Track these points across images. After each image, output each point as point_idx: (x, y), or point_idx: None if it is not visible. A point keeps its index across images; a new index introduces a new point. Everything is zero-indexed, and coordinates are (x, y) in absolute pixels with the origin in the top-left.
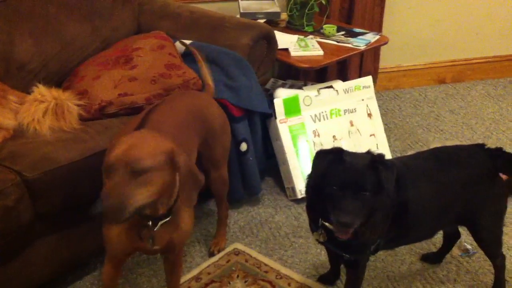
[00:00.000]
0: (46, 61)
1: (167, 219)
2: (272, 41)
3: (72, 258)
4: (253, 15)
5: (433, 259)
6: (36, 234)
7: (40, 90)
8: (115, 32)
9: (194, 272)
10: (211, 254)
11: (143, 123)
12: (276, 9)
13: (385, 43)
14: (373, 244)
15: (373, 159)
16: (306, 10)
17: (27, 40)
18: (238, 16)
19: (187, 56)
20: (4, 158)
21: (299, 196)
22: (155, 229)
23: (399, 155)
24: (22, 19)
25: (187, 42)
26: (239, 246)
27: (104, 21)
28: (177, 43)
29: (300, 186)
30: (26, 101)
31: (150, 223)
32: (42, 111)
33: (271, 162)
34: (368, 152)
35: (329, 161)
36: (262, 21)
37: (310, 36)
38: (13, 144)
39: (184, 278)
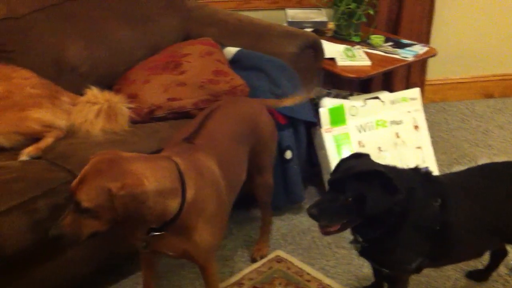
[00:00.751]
0: (97, 65)
1: (163, 231)
2: (319, 50)
3: (117, 257)
4: (300, 24)
5: (479, 276)
6: None
7: (93, 92)
8: (163, 37)
9: (236, 277)
10: (253, 260)
11: (200, 129)
12: (323, 18)
13: (434, 55)
14: (411, 263)
15: (381, 174)
16: (354, 20)
17: (79, 44)
18: (285, 24)
19: (235, 63)
20: (56, 157)
21: None
22: (150, 235)
23: (445, 169)
24: (75, 23)
25: (234, 49)
26: (281, 254)
27: (153, 27)
28: (225, 50)
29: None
30: (79, 102)
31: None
32: (94, 113)
33: (315, 171)
34: (415, 169)
35: (340, 161)
36: (309, 30)
37: (357, 46)
38: (65, 144)
39: (226, 283)
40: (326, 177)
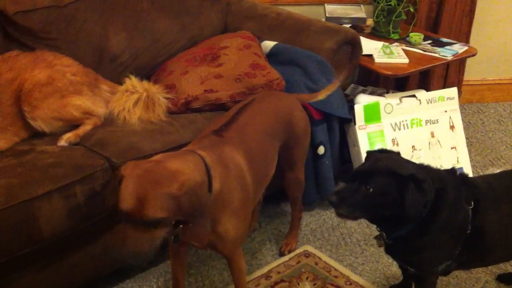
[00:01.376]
0: (137, 55)
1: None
2: (357, 46)
3: None
4: (338, 20)
5: (510, 279)
6: (117, 219)
7: (132, 82)
8: (202, 30)
9: (264, 270)
10: (282, 254)
11: (231, 122)
12: (362, 14)
13: (473, 55)
14: (437, 265)
15: (413, 177)
16: (393, 17)
17: (120, 34)
18: (323, 20)
19: (272, 57)
20: (94, 144)
21: None
22: (177, 230)
23: (479, 170)
24: (117, 13)
25: (272, 43)
26: (310, 249)
27: (192, 19)
28: (263, 44)
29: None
30: (118, 91)
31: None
32: (133, 102)
33: (346, 168)
34: (451, 171)
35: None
36: (347, 26)
37: (396, 44)
38: (103, 131)
39: (254, 275)
40: None
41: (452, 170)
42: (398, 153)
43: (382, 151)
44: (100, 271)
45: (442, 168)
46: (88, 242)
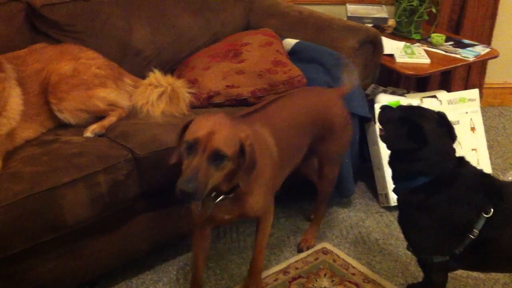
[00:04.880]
0: (160, 50)
1: (230, 195)
2: (378, 45)
3: (167, 236)
4: (360, 19)
5: None
6: (137, 210)
7: (156, 76)
8: (225, 27)
9: (282, 265)
10: (300, 250)
11: (259, 109)
12: (383, 14)
13: (495, 57)
14: (429, 253)
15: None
16: (415, 18)
17: (144, 29)
18: (345, 19)
19: (293, 54)
20: (117, 136)
21: (392, 204)
22: (216, 201)
23: (499, 173)
24: (141, 8)
25: (293, 40)
26: (328, 246)
27: (215, 16)
28: (284, 41)
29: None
30: (141, 84)
31: (213, 194)
32: (156, 95)
33: (366, 166)
34: (481, 173)
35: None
36: (369, 26)
37: (417, 44)
38: (126, 124)
39: (272, 270)
40: (377, 173)
41: (482, 173)
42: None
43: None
44: (120, 261)
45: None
46: (109, 231)
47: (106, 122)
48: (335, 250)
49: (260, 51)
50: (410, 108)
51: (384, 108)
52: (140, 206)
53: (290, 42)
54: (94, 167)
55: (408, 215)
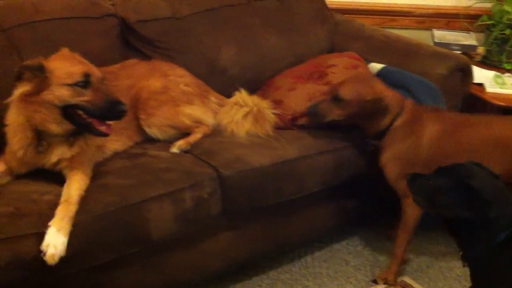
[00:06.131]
0: (245, 69)
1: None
2: (468, 74)
3: (245, 257)
4: (447, 46)
5: None
6: (218, 228)
7: (242, 95)
8: (309, 48)
9: None
10: (376, 282)
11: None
12: (472, 42)
13: None
14: None
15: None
16: (507, 47)
17: (232, 48)
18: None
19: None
20: (201, 153)
21: None
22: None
23: None
24: (229, 27)
25: (379, 65)
26: (407, 280)
27: (300, 37)
28: (370, 65)
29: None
30: (226, 103)
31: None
32: (242, 115)
33: None
34: None
35: None
36: (457, 53)
37: (508, 74)
38: (210, 141)
39: None
40: None
41: None
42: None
43: None
44: (195, 278)
45: None
46: (189, 248)
47: (192, 138)
48: (414, 284)
49: (346, 73)
50: (447, 170)
51: (413, 178)
52: (221, 225)
53: (376, 66)
54: (181, 183)
55: (497, 274)
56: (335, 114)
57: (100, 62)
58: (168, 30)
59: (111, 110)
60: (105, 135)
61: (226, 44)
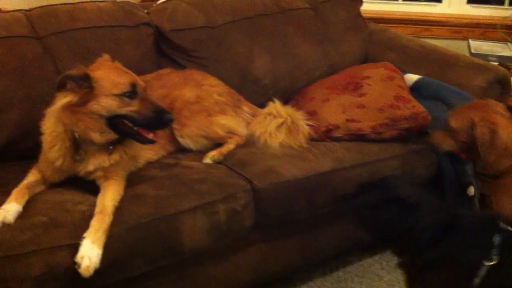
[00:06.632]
0: (278, 78)
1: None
2: (507, 86)
3: (276, 270)
4: (484, 57)
5: None
6: (250, 240)
7: (275, 106)
8: (343, 58)
9: None
10: None
11: None
12: (509, 53)
13: None
14: None
15: None
16: None
17: (265, 57)
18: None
19: (415, 90)
20: (234, 164)
21: None
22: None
23: None
24: (263, 36)
25: (415, 76)
26: None
27: (334, 47)
28: (405, 76)
29: None
30: (260, 113)
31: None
32: (275, 126)
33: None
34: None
35: None
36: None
37: None
38: (243, 152)
39: None
40: None
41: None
42: None
43: None
44: None
45: None
46: (221, 260)
47: (225, 149)
48: None
49: (381, 85)
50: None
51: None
52: (253, 237)
53: (411, 77)
54: (214, 195)
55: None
56: (448, 144)
57: (134, 70)
58: (202, 39)
59: (158, 119)
60: (153, 142)
61: (260, 53)
